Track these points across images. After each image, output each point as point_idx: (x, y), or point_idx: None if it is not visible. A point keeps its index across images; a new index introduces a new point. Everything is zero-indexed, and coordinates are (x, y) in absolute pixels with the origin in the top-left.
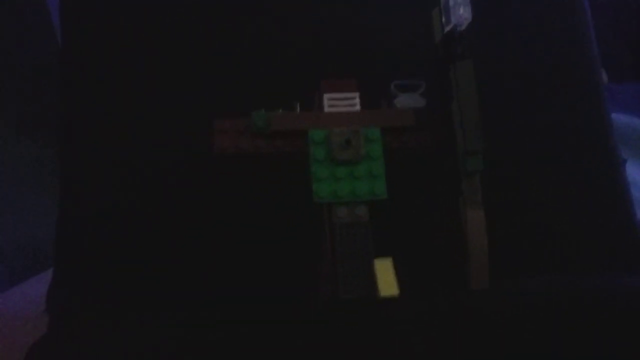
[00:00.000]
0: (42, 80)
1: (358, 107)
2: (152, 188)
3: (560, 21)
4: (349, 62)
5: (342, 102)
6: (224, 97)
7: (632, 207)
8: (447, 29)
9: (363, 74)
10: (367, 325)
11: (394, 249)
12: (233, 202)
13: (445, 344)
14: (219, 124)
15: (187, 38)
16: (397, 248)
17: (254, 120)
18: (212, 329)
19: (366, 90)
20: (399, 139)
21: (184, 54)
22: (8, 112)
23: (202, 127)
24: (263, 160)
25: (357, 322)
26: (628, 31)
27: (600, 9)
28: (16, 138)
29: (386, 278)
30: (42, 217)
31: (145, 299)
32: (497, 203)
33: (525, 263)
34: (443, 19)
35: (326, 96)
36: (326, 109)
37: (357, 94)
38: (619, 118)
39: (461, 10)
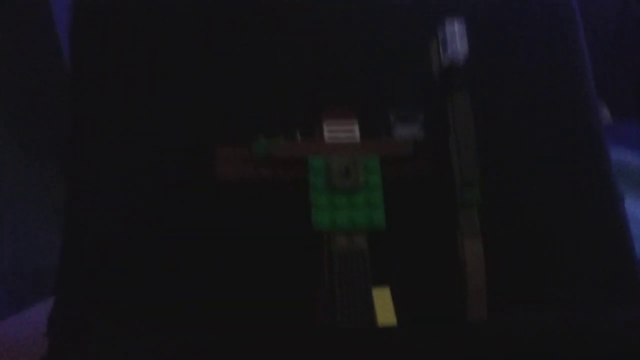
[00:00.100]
0: (46, 102)
1: (357, 136)
2: (155, 218)
3: (559, 62)
4: (349, 91)
5: (342, 131)
6: (227, 124)
7: (631, 242)
8: (444, 61)
9: (363, 104)
10: (364, 354)
11: (391, 278)
12: (233, 227)
13: None
14: (222, 151)
15: (191, 65)
16: (394, 278)
17: (255, 148)
18: (208, 355)
19: (365, 120)
20: (398, 169)
21: (188, 81)
22: (12, 135)
23: (205, 153)
24: (264, 186)
25: (355, 350)
26: (631, 70)
27: (605, 49)
28: (20, 163)
29: (384, 307)
30: (45, 245)
31: (145, 325)
32: (496, 235)
33: (524, 295)
34: (440, 52)
35: (326, 125)
36: (326, 138)
37: (356, 124)
38: (619, 155)
39: (458, 44)
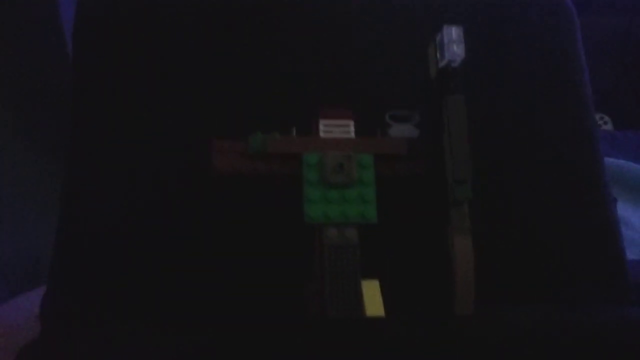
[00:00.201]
0: (45, 93)
1: (352, 135)
2: (150, 208)
3: (555, 65)
4: (346, 91)
5: (338, 128)
6: (225, 119)
7: (621, 242)
8: (441, 64)
9: (359, 104)
10: (351, 343)
11: (381, 272)
12: (227, 219)
13: None
14: (218, 145)
15: (190, 62)
16: (384, 271)
17: (251, 143)
18: (200, 346)
19: (361, 120)
20: (391, 167)
21: (187, 77)
22: (9, 126)
23: (202, 148)
24: (259, 180)
25: (342, 339)
26: (634, 85)
27: (610, 65)
28: (19, 154)
29: (372, 299)
30: (41, 234)
31: (136, 311)
32: (488, 234)
33: (513, 292)
34: (438, 55)
35: (322, 122)
36: (322, 134)
37: (352, 122)
38: (617, 162)
39: (455, 48)
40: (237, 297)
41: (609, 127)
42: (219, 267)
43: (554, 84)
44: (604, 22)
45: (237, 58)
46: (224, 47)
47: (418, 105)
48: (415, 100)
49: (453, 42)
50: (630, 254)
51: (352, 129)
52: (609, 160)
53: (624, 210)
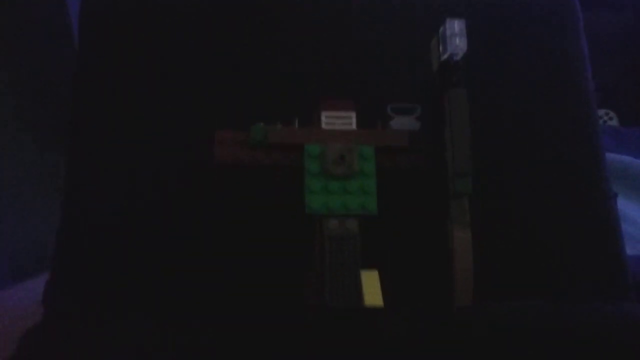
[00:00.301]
0: (47, 85)
1: (354, 126)
2: (152, 194)
3: (558, 60)
4: (348, 83)
5: (339, 120)
6: (227, 112)
7: (620, 238)
8: (444, 57)
9: (361, 96)
10: (349, 333)
11: (381, 263)
12: (229, 210)
13: (422, 358)
14: (220, 135)
15: (192, 53)
16: (384, 262)
17: (252, 133)
18: (199, 331)
19: (363, 112)
20: (392, 159)
21: (189, 68)
22: (12, 114)
23: (204, 138)
24: (261, 171)
25: (341, 329)
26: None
27: (614, 57)
28: (23, 140)
29: (372, 289)
30: (46, 221)
31: (138, 299)
32: (488, 228)
33: (512, 288)
34: (440, 48)
35: (324, 114)
36: (323, 126)
37: (353, 114)
38: (621, 158)
39: (457, 41)
40: (237, 288)
41: (614, 122)
42: (220, 257)
43: (555, 81)
44: (611, 17)
45: (240, 51)
46: (226, 39)
47: (420, 97)
48: (417, 92)
49: (455, 35)
50: (632, 250)
51: (353, 120)
52: (613, 156)
53: (627, 206)
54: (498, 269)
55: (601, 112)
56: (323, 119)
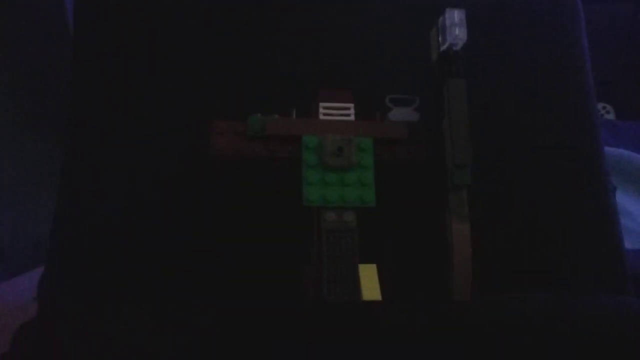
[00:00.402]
0: (45, 79)
1: (352, 118)
2: (148, 188)
3: (558, 54)
4: (346, 74)
5: (338, 111)
6: (224, 101)
7: (619, 232)
8: (443, 47)
9: (360, 87)
10: (347, 326)
11: (379, 256)
12: (226, 202)
13: (420, 350)
14: (217, 125)
15: (189, 44)
16: (382, 255)
17: (249, 124)
18: (195, 324)
19: (361, 103)
20: (391, 151)
21: (186, 59)
22: (9, 110)
23: (201, 130)
24: (258, 162)
25: (339, 322)
26: (637, 71)
27: (612, 51)
28: (20, 134)
29: (370, 283)
30: (42, 215)
31: (134, 294)
32: (487, 222)
33: (511, 279)
34: (440, 38)
35: (322, 105)
36: (321, 117)
37: (352, 105)
38: (618, 151)
39: (457, 31)
40: (235, 280)
41: (611, 116)
42: (217, 250)
43: (556, 72)
44: (608, 10)
45: (237, 40)
46: (224, 28)
47: (419, 89)
48: (416, 83)
49: (455, 25)
50: (629, 244)
51: (352, 112)
52: (610, 150)
53: (624, 199)
54: (496, 260)
55: (598, 105)
56: (321, 110)
